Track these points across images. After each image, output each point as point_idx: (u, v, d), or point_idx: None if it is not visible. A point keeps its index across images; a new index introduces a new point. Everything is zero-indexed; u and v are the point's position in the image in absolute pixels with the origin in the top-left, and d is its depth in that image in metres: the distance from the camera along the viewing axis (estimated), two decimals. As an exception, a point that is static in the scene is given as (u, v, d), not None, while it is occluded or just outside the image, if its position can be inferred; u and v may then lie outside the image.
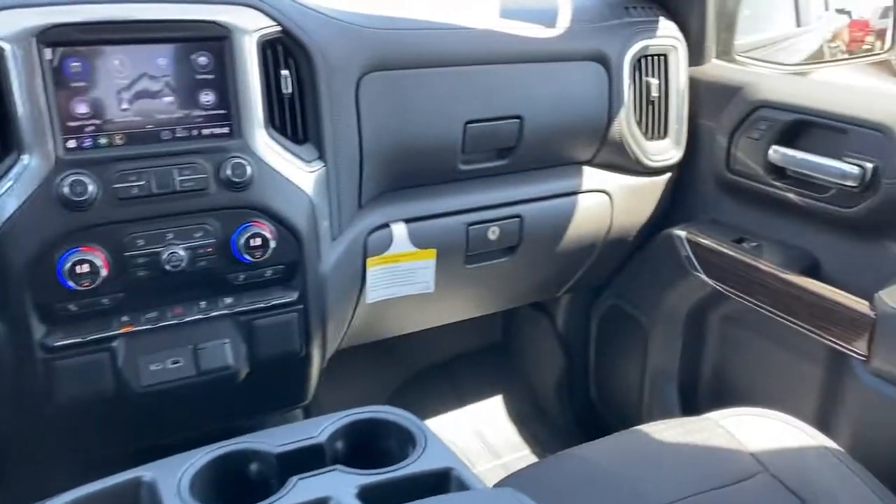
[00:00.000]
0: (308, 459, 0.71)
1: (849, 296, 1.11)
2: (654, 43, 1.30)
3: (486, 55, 1.16)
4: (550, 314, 1.76)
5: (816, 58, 1.88)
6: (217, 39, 0.94)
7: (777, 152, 1.21)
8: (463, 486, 0.68)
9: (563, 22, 1.25)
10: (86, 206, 0.89)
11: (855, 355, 1.09)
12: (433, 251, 1.20)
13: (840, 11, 2.01)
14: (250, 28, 0.96)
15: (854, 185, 1.10)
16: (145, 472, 0.68)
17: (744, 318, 1.34)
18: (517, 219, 1.26)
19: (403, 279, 1.21)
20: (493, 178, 1.24)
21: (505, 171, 1.25)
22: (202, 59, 0.94)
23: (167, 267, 0.94)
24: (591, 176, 1.33)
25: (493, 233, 1.25)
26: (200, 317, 1.00)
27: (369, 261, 1.16)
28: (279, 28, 0.99)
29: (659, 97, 1.32)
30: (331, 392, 1.43)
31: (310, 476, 0.68)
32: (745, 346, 1.36)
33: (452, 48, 1.14)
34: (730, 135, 1.30)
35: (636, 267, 1.52)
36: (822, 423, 1.15)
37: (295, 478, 0.67)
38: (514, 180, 1.26)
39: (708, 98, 1.36)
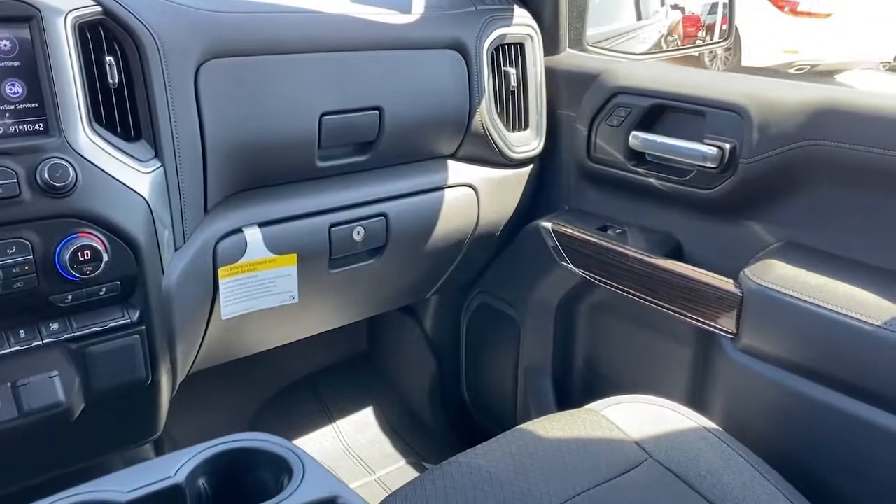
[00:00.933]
0: (165, 505, 0.60)
1: (714, 275, 1.13)
2: (511, 32, 1.27)
3: (340, 41, 1.08)
4: (418, 317, 1.70)
5: (657, 49, 1.96)
6: (22, 20, 0.80)
7: (637, 138, 1.22)
8: (351, 515, 0.60)
9: (418, 8, 1.19)
10: None
11: (724, 334, 1.11)
12: (294, 257, 1.10)
13: (674, 7, 2.11)
14: (63, 7, 0.82)
15: (713, 166, 1.12)
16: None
17: (613, 305, 1.34)
18: (382, 217, 1.19)
19: (262, 290, 1.10)
20: (354, 174, 1.16)
21: (367, 168, 1.17)
22: (4, 44, 0.79)
23: None
24: (456, 170, 1.28)
25: (358, 233, 1.17)
26: (19, 348, 0.84)
27: (221, 271, 1.04)
28: (99, 8, 0.86)
29: (518, 87, 1.30)
30: (184, 421, 1.29)
31: (167, 526, 0.57)
32: (617, 333, 1.37)
33: (302, 33, 1.05)
34: (589, 123, 1.30)
35: (504, 262, 1.49)
36: (697, 403, 1.16)
37: (149, 530, 0.56)
38: (376, 177, 1.19)
39: (566, 87, 1.36)
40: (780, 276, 1.04)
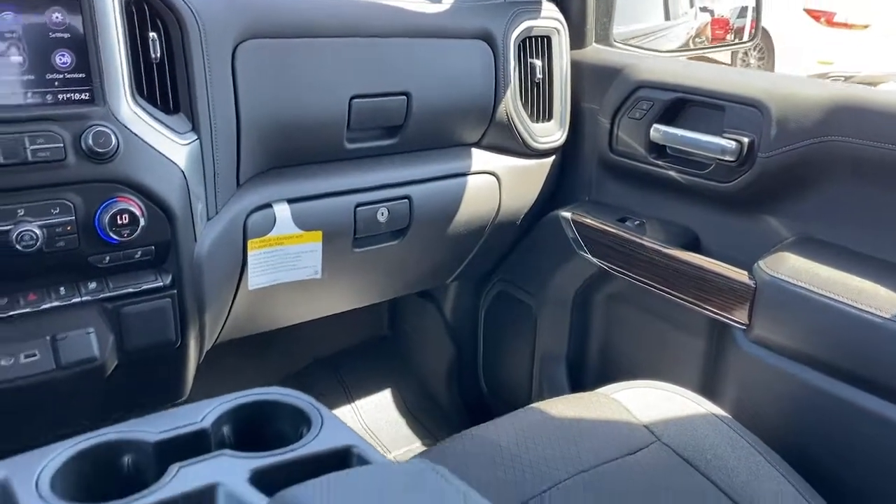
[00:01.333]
0: (191, 447, 0.64)
1: (729, 267, 1.14)
2: (538, 24, 1.30)
3: (372, 27, 1.12)
4: (438, 303, 1.73)
5: (685, 49, 1.97)
6: None
7: (658, 131, 1.24)
8: (365, 464, 0.63)
9: None
10: None
11: (736, 325, 1.13)
12: (319, 233, 1.15)
13: (703, 10, 2.12)
14: None
15: (732, 159, 1.14)
16: (-4, 470, 0.58)
17: (629, 295, 1.36)
18: (406, 200, 1.23)
19: (288, 264, 1.14)
20: (381, 157, 1.20)
21: (393, 151, 1.21)
22: (56, 16, 0.84)
23: (19, 247, 0.83)
24: (479, 157, 1.31)
25: (383, 214, 1.21)
26: (59, 304, 0.89)
27: (250, 243, 1.08)
28: None
29: (543, 79, 1.33)
30: (208, 389, 1.33)
31: (193, 463, 0.60)
32: (632, 323, 1.39)
33: (336, 18, 1.09)
34: (612, 116, 1.32)
35: (523, 251, 1.52)
36: (708, 392, 1.18)
37: (176, 465, 0.60)
38: (402, 160, 1.23)
39: (590, 81, 1.38)
40: (794, 268, 1.06)
